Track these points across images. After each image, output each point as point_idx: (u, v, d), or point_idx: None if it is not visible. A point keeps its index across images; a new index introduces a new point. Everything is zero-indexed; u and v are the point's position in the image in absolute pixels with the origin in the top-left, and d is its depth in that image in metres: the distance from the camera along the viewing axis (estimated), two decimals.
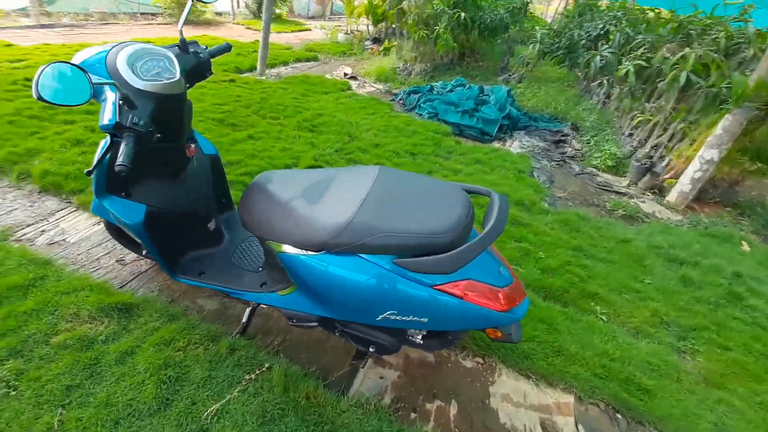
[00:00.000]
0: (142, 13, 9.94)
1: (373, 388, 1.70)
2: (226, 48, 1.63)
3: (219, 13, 11.62)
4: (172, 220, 1.65)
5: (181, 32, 1.43)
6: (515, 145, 4.84)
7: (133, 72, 1.26)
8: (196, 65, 1.48)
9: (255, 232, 1.42)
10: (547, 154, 4.68)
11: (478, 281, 1.30)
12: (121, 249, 2.13)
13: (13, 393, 1.43)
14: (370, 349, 1.52)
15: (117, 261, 2.10)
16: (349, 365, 1.76)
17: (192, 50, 1.46)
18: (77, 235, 2.26)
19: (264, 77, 6.10)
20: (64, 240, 2.22)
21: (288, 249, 1.34)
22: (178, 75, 1.33)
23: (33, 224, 2.30)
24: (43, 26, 7.45)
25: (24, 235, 2.22)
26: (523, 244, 2.75)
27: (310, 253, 1.30)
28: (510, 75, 7.33)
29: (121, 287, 1.96)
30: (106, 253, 2.16)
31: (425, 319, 1.32)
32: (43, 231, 2.26)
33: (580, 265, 2.63)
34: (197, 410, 1.45)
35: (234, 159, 3.30)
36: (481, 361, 1.89)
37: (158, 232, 1.59)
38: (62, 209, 2.47)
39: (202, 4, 1.55)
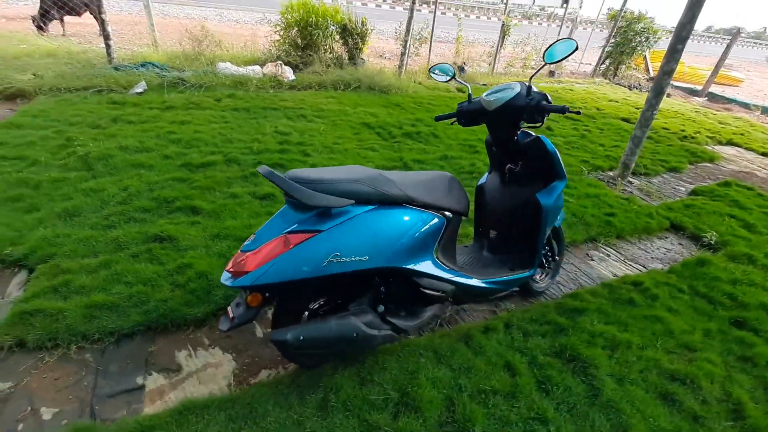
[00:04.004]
0: None
1: None
2: (559, 109, 1.74)
3: None
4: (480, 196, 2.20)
5: (529, 81, 1.83)
6: None
7: (490, 91, 1.87)
8: (522, 106, 1.78)
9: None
10: None
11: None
12: None
13: None
14: None
15: None
16: None
17: (530, 97, 1.79)
18: None
19: (617, 183, 4.02)
20: None
21: None
22: (492, 100, 1.82)
23: None
24: None
25: None
26: None
27: None
28: None
29: None
30: None
31: None
32: None
33: None
34: None
35: None
36: None
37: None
38: None
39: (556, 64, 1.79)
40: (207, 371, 1.72)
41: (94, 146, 3.33)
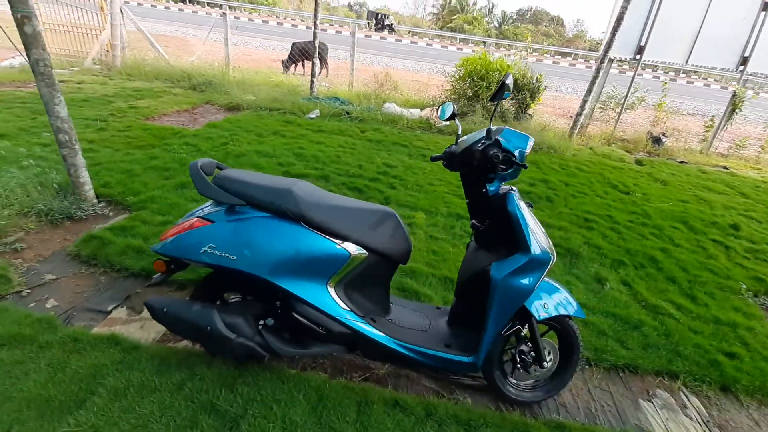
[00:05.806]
0: None
1: None
2: (494, 155, 1.50)
3: None
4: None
5: (490, 125, 1.60)
6: None
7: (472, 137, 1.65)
8: (474, 152, 1.56)
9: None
10: None
11: None
12: None
13: None
14: None
15: None
16: None
17: (486, 140, 1.55)
18: None
19: None
20: None
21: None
22: (460, 142, 1.67)
23: None
24: None
25: None
26: None
27: None
28: None
29: None
30: None
31: None
32: None
33: None
34: None
35: None
36: None
37: None
38: None
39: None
40: (153, 322, 2.01)
41: (241, 147, 4.32)
